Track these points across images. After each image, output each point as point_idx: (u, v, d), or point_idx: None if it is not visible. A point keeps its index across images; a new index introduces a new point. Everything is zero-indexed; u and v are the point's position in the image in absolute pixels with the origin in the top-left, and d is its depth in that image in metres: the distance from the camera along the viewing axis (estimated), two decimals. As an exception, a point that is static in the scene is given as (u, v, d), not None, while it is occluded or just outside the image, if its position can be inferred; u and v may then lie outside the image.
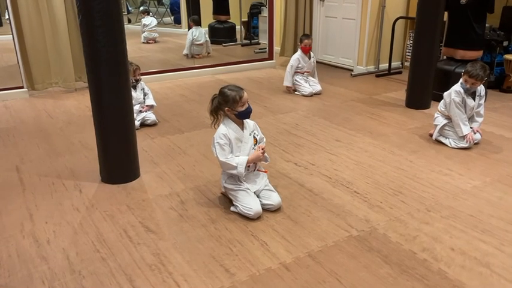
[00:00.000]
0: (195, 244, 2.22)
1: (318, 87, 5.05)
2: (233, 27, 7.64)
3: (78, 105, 4.66)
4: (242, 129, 2.49)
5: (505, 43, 4.85)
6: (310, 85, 5.05)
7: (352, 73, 5.99)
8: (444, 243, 2.22)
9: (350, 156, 3.32)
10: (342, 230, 2.35)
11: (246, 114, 2.47)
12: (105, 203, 2.64)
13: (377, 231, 2.33)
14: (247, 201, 2.44)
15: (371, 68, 6.03)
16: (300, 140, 3.66)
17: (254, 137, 2.55)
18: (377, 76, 5.82)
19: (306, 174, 3.02)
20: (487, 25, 4.84)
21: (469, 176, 2.95)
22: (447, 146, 3.45)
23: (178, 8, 7.83)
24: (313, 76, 5.16)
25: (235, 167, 2.40)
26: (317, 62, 5.82)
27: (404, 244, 2.22)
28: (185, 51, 6.69)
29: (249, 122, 2.55)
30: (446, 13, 4.52)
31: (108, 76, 2.68)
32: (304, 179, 2.94)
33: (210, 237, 2.28)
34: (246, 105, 2.43)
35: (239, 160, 2.41)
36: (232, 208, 2.52)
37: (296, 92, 5.06)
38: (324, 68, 6.37)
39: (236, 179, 2.50)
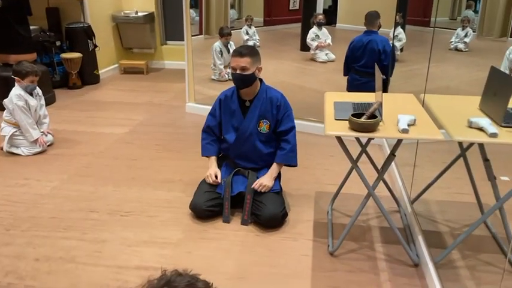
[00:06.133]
0: None
1: None
2: None
3: None
4: None
5: (58, 43, 5.05)
6: None
7: None
8: (28, 257, 2.12)
9: None
10: None
11: None
12: None
13: None
14: None
15: None
16: None
17: None
18: None
19: None
20: (36, 27, 4.88)
21: (47, 179, 2.93)
22: (21, 155, 3.30)
23: None
24: None
25: None
26: None
27: (-18, 279, 1.96)
28: None
29: None
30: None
31: None
32: None
33: None
34: None
35: None
36: None
37: None
38: None
39: None
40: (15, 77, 3.31)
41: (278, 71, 4.79)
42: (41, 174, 3.01)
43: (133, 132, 3.82)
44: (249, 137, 2.48)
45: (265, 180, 2.43)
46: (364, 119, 1.85)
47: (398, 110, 2.02)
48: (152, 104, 4.67)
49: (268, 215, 2.33)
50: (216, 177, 2.47)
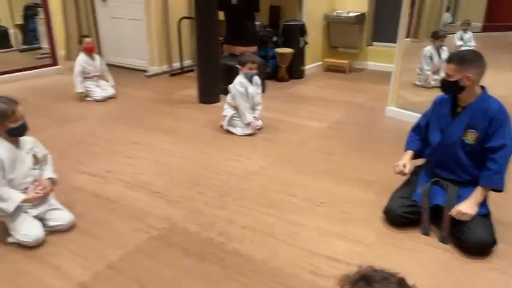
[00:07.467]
0: (-32, 289, 1.90)
1: (110, 91, 4.86)
2: (5, 31, 6.68)
3: None
4: (17, 148, 2.23)
5: (275, 38, 5.56)
6: (102, 89, 4.83)
7: (147, 74, 5.97)
8: (236, 223, 2.44)
9: (149, 157, 3.32)
10: (141, 232, 2.34)
11: (20, 130, 2.21)
12: None
13: (177, 226, 2.41)
14: (24, 227, 2.18)
15: (165, 67, 6.12)
16: (95, 148, 3.48)
17: (34, 155, 2.30)
18: (171, 75, 5.95)
19: (103, 183, 2.89)
20: (258, 23, 5.46)
21: (255, 159, 3.29)
22: (236, 134, 3.77)
23: None
24: (105, 79, 4.95)
25: (5, 200, 2.13)
26: (109, 64, 5.59)
27: (202, 232, 2.35)
28: None
29: (25, 139, 2.29)
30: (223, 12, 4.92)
31: None
32: (101, 189, 2.81)
33: (-12, 276, 1.98)
34: (21, 121, 2.19)
35: (13, 195, 2.16)
36: (9, 239, 2.22)
37: (88, 98, 4.78)
38: (117, 70, 6.16)
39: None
40: (239, 66, 3.80)
41: (495, 82, 4.24)
42: (250, 153, 3.40)
43: (331, 128, 3.95)
44: (452, 145, 2.28)
45: (464, 207, 2.17)
46: None
47: None
48: (351, 103, 4.73)
49: (475, 240, 2.11)
50: (404, 167, 2.41)
